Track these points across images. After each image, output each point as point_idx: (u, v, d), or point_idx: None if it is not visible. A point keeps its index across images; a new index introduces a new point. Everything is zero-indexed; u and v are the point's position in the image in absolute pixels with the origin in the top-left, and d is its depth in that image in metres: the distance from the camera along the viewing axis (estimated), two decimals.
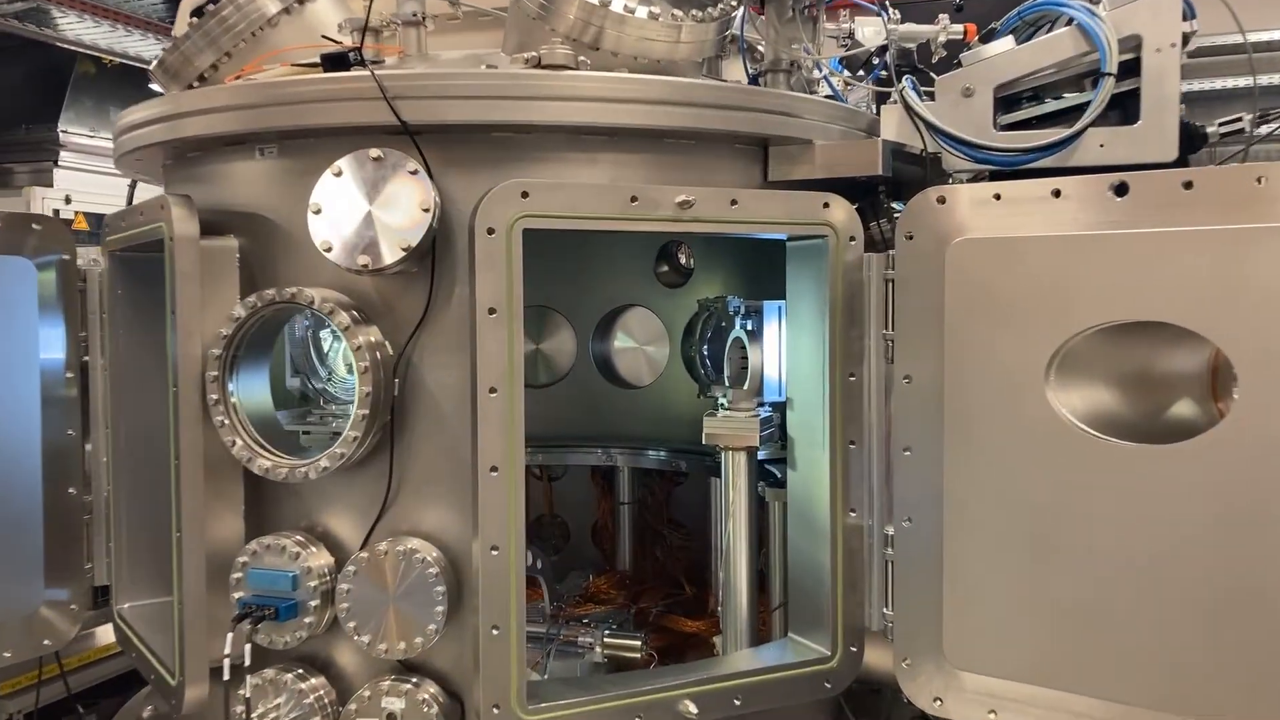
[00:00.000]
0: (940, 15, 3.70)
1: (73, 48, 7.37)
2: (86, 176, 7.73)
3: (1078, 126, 2.90)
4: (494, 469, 2.62)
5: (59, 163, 7.69)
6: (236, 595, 2.82)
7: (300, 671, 2.84)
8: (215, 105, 2.86)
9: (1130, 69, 2.91)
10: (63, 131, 7.79)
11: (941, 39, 3.69)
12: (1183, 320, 2.47)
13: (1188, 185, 2.47)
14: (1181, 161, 2.91)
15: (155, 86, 3.30)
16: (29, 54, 7.50)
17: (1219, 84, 5.86)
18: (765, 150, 3.05)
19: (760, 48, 3.56)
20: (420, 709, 2.70)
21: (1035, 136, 2.99)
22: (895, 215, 3.08)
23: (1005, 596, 2.71)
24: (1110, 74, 2.86)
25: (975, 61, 3.06)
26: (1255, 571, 2.40)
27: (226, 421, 2.78)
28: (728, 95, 2.91)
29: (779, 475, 3.52)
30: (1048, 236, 2.66)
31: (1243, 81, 5.71)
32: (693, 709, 2.76)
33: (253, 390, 2.89)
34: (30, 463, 3.29)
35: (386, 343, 2.78)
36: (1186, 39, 2.90)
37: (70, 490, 3.34)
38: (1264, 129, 3.14)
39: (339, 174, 2.66)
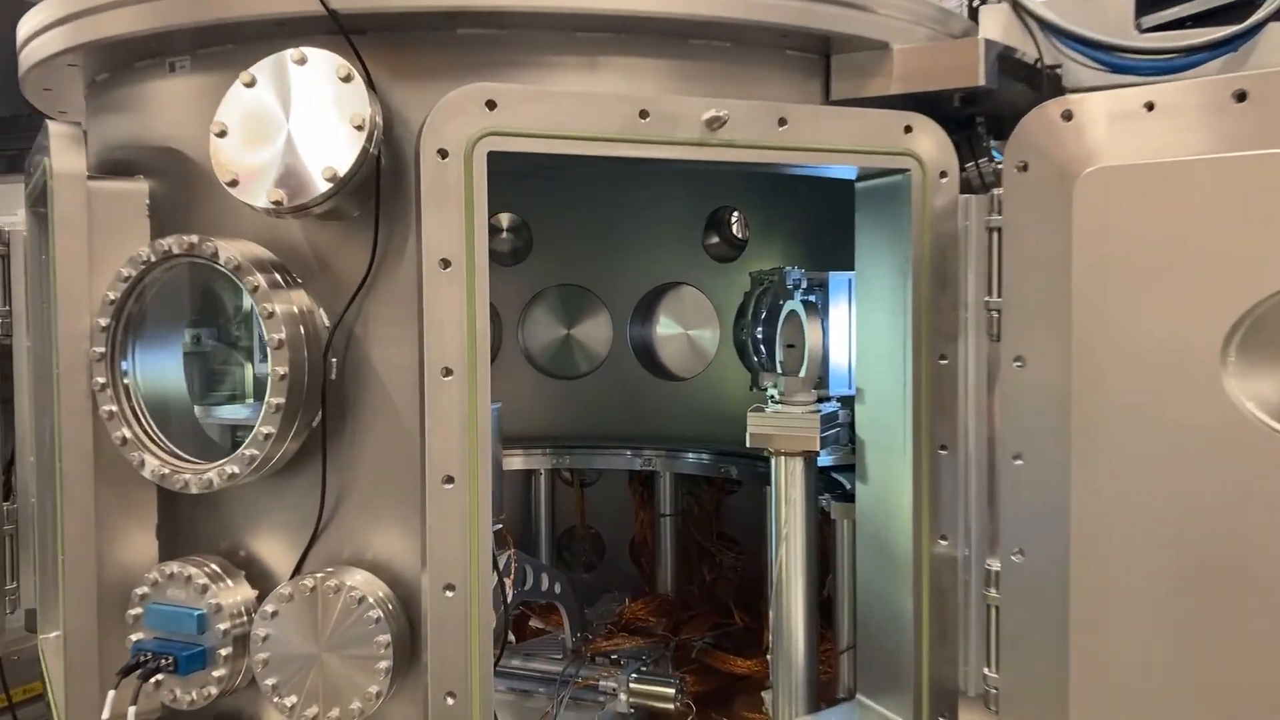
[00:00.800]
0: None
1: None
2: None
3: (1257, 17, 2.05)
4: (448, 480, 1.87)
5: None
6: (133, 638, 2.11)
7: None
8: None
9: None
10: None
11: None
12: None
13: None
14: None
15: None
16: None
17: None
18: (827, 61, 2.25)
19: None
20: None
21: (1193, 35, 2.13)
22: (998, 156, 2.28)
23: (1157, 659, 1.89)
24: None
25: None
26: None
27: (115, 410, 2.08)
28: None
29: (848, 486, 2.73)
30: (1226, 159, 1.82)
31: None
32: None
33: (159, 374, 2.17)
34: None
35: (320, 311, 2.05)
36: None
37: None
38: None
39: (251, 83, 1.94)
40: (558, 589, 3.18)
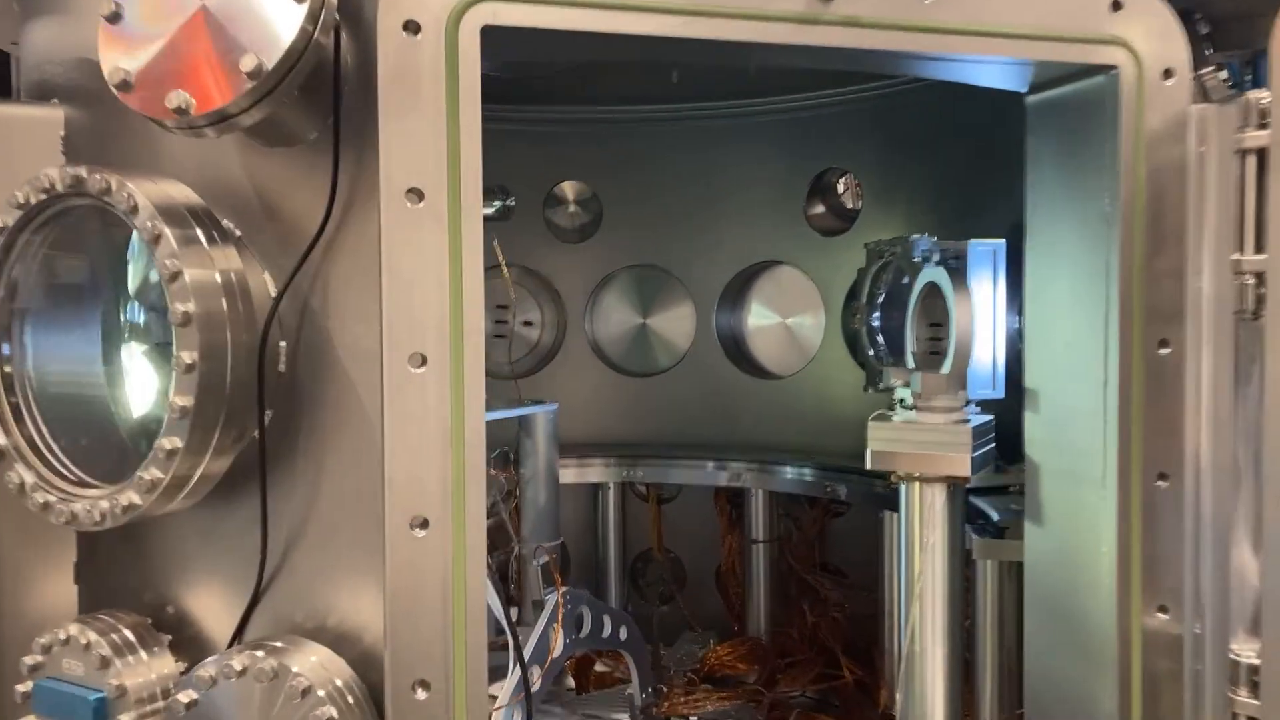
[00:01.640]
0: None
1: None
2: None
3: None
4: (420, 524, 1.19)
5: None
6: None
7: None
8: None
9: None
10: None
11: None
12: None
13: None
14: None
15: None
16: None
17: None
18: None
19: None
20: None
21: None
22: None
23: None
24: None
25: None
26: None
27: None
28: None
29: (995, 517, 2.01)
30: None
31: None
32: None
33: (66, 364, 1.55)
34: None
35: (267, 276, 1.40)
36: None
37: None
38: None
39: None
40: (623, 634, 2.52)
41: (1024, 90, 1.60)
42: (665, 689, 2.75)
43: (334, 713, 1.31)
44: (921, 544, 1.77)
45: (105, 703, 1.45)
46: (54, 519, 1.43)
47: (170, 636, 1.53)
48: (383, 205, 1.19)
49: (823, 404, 2.98)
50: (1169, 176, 1.46)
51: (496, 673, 1.75)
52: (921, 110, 2.74)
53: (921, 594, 1.79)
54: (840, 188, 3.08)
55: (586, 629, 2.39)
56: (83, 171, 1.38)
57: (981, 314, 1.99)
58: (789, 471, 2.88)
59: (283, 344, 1.42)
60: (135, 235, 1.40)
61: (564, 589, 2.32)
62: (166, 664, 1.50)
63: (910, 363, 1.86)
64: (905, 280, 2.17)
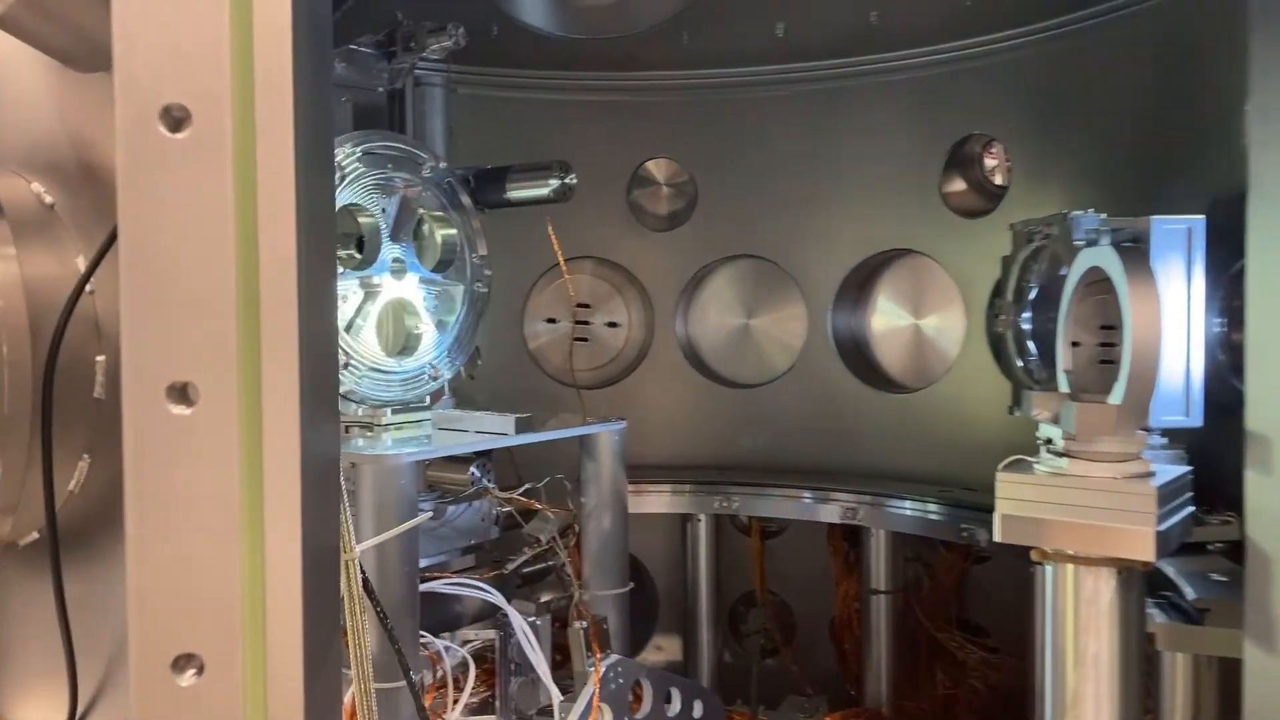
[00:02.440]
0: None
1: None
2: None
3: None
4: (186, 661, 0.69)
5: None
6: None
7: None
8: None
9: None
10: None
11: None
12: None
13: None
14: None
15: None
16: None
17: None
18: None
19: None
20: None
21: None
22: None
23: None
24: None
25: None
26: None
27: None
28: None
29: (1188, 594, 1.41)
30: None
31: None
32: None
33: None
34: None
35: (80, 260, 0.94)
36: None
37: None
38: None
39: None
40: (697, 712, 1.97)
41: None
42: None
43: None
44: (1078, 653, 1.16)
45: None
46: None
47: None
48: (119, 133, 0.70)
49: (962, 424, 2.43)
50: None
51: None
52: (1079, 61, 2.11)
53: (1097, 696, 1.18)
54: (984, 160, 2.47)
55: (645, 709, 1.86)
56: None
57: (1171, 315, 1.39)
58: (913, 509, 2.28)
59: (100, 359, 0.95)
60: None
61: (612, 657, 1.80)
62: None
63: (1062, 385, 1.26)
64: (1063, 270, 1.57)
